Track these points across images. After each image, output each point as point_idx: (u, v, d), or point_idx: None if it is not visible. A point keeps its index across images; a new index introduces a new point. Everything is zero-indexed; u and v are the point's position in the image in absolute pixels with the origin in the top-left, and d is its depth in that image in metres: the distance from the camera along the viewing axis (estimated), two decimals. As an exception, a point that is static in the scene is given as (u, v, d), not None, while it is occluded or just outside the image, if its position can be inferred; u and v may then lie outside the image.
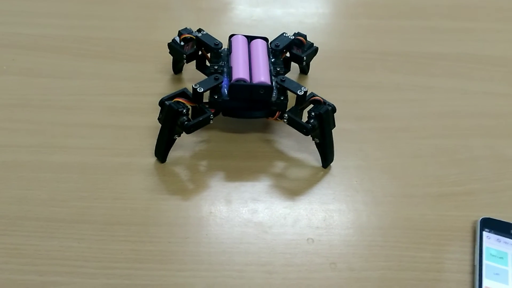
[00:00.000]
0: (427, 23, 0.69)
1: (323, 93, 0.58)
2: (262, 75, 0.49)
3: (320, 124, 0.48)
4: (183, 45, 0.54)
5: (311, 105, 0.50)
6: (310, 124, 0.48)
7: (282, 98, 0.50)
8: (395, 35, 0.67)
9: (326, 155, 0.50)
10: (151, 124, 0.53)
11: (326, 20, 0.69)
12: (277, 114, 0.50)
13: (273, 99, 0.49)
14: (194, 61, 0.55)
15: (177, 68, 0.59)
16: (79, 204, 0.46)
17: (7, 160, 0.49)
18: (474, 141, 0.54)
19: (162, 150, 0.49)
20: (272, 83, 0.49)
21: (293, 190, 0.49)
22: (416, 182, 0.50)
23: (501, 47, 0.66)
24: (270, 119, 0.51)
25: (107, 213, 0.46)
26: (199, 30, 0.55)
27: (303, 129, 0.48)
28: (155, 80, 0.58)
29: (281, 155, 0.52)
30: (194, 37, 0.54)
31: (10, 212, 0.45)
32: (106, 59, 0.60)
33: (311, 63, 0.59)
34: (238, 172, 0.50)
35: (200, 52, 0.55)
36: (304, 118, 0.50)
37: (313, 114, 0.48)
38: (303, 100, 0.49)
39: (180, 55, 0.54)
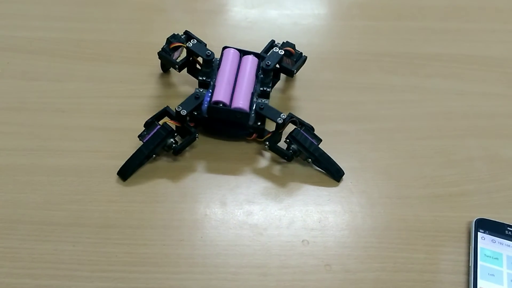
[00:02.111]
0: (423, 24, 0.69)
1: (317, 95, 0.58)
2: (241, 100, 0.49)
3: (298, 145, 0.49)
4: (173, 52, 0.54)
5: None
6: (291, 150, 0.49)
7: (259, 124, 0.50)
8: (390, 36, 0.67)
9: (329, 169, 0.50)
10: (146, 127, 0.53)
11: (321, 21, 0.69)
12: (253, 135, 0.51)
13: (250, 123, 0.50)
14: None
15: (165, 68, 0.59)
16: (74, 207, 0.46)
17: (2, 163, 0.49)
18: (469, 142, 0.54)
19: (132, 168, 0.49)
20: (251, 106, 0.50)
21: (288, 191, 0.49)
22: (411, 183, 0.50)
23: (496, 48, 0.66)
24: (249, 139, 0.52)
25: (101, 216, 0.46)
26: (186, 33, 0.55)
27: (285, 157, 0.50)
28: (150, 83, 0.58)
29: (276, 157, 0.52)
30: (185, 46, 0.54)
31: (4, 216, 0.45)
32: (100, 62, 0.60)
33: (305, 64, 0.59)
34: (233, 174, 0.50)
35: (191, 58, 0.55)
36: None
37: (287, 140, 0.49)
38: (282, 127, 0.50)
39: (171, 64, 0.54)
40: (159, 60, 0.58)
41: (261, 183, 0.49)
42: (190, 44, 0.53)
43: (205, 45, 0.54)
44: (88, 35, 0.64)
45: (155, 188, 0.48)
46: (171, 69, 0.59)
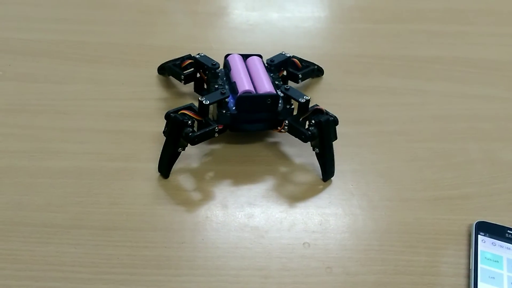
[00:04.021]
0: (423, 27, 0.70)
1: (319, 97, 0.58)
2: (266, 86, 0.50)
3: (319, 132, 0.48)
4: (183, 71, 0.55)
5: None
6: (310, 131, 0.48)
7: (288, 107, 0.51)
8: (390, 39, 0.67)
9: (326, 167, 0.50)
10: (148, 129, 0.53)
11: (322, 24, 0.69)
12: (283, 124, 0.50)
13: (280, 108, 0.50)
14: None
15: (162, 71, 0.59)
16: (75, 209, 0.46)
17: (3, 165, 0.49)
18: (469, 145, 0.54)
19: (166, 164, 0.49)
20: (277, 93, 0.50)
21: (289, 194, 0.49)
22: (412, 186, 0.50)
23: (496, 51, 0.67)
24: (276, 130, 0.51)
25: (103, 218, 0.46)
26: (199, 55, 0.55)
27: (302, 135, 0.49)
28: (151, 85, 0.58)
29: (277, 160, 0.52)
30: (193, 60, 0.54)
31: (6, 218, 0.45)
32: (102, 64, 0.61)
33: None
34: (235, 177, 0.50)
35: (198, 75, 0.55)
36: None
37: (313, 122, 0.48)
38: (305, 108, 0.50)
39: (178, 76, 0.55)
40: (160, 63, 0.58)
41: (262, 186, 0.49)
42: (197, 56, 0.54)
43: None
44: (89, 37, 0.64)
45: (156, 190, 0.48)
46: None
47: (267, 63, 0.54)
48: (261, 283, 0.42)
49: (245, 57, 0.55)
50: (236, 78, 0.51)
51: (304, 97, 0.49)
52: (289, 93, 0.50)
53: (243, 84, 0.50)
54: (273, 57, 0.55)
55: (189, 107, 0.49)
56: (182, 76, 0.54)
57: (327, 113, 0.50)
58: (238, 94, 0.49)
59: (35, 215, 0.45)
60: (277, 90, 0.51)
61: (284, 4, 0.72)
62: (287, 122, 0.50)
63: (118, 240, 0.44)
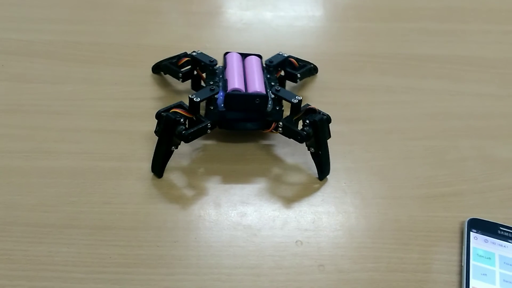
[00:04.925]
0: (417, 25, 0.70)
1: (313, 96, 0.58)
2: (257, 85, 0.50)
3: (314, 132, 0.48)
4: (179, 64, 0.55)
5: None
6: (305, 131, 0.48)
7: (277, 108, 0.50)
8: (385, 37, 0.67)
9: (322, 166, 0.50)
10: (142, 129, 0.53)
11: (316, 23, 0.69)
12: (272, 125, 0.50)
13: (269, 109, 0.50)
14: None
15: (156, 71, 0.59)
16: (69, 209, 0.46)
17: (-3, 165, 0.49)
18: (463, 142, 0.55)
19: (159, 164, 0.49)
20: (267, 93, 0.50)
21: (282, 192, 0.49)
22: (405, 184, 0.50)
23: (490, 49, 0.67)
24: (266, 131, 0.51)
25: (96, 217, 0.46)
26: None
27: (298, 136, 0.48)
28: (146, 85, 0.59)
29: (270, 159, 0.52)
30: (189, 58, 0.54)
31: (-1, 218, 0.45)
32: (96, 64, 0.61)
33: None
34: (228, 175, 0.50)
35: (195, 72, 0.55)
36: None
37: (307, 122, 0.48)
38: (298, 109, 0.50)
39: (175, 74, 0.55)
40: (155, 62, 0.58)
41: (255, 184, 0.49)
42: (194, 53, 0.53)
43: None
44: (84, 38, 0.64)
45: (149, 190, 0.48)
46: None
47: (266, 64, 0.54)
48: (253, 281, 0.42)
49: (244, 56, 0.55)
50: (229, 76, 0.51)
51: (296, 97, 0.49)
52: (280, 94, 0.50)
53: (234, 82, 0.50)
54: (272, 58, 0.55)
55: (179, 105, 0.49)
56: (180, 74, 0.54)
57: (319, 111, 0.50)
58: (227, 92, 0.49)
59: (28, 215, 0.46)
60: (268, 91, 0.51)
61: (278, 3, 0.72)
62: (281, 124, 0.49)
63: (111, 240, 0.44)
